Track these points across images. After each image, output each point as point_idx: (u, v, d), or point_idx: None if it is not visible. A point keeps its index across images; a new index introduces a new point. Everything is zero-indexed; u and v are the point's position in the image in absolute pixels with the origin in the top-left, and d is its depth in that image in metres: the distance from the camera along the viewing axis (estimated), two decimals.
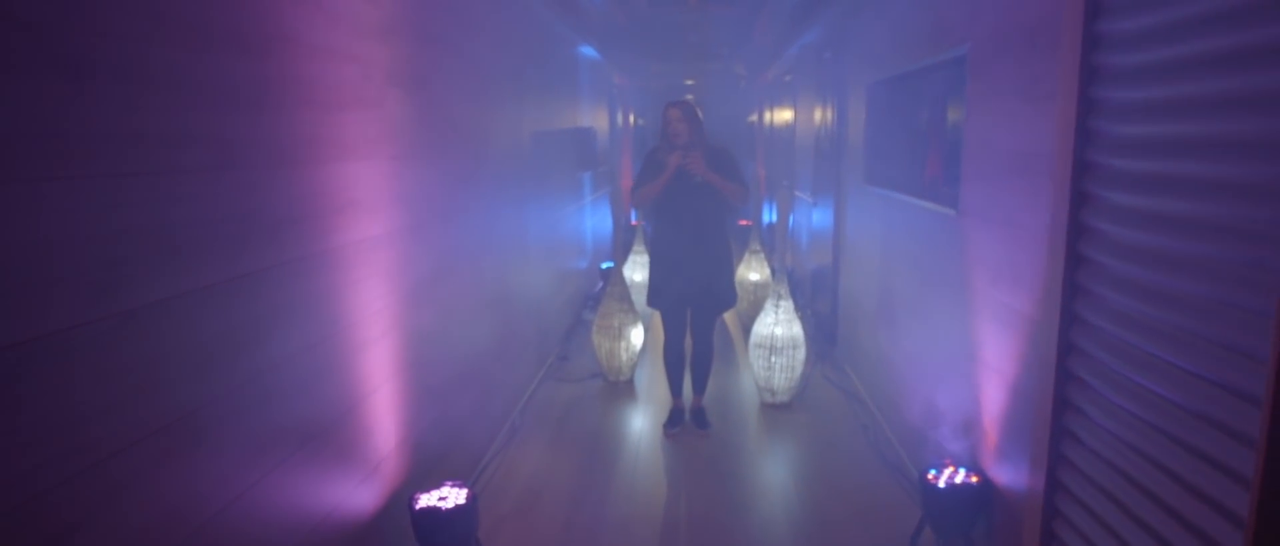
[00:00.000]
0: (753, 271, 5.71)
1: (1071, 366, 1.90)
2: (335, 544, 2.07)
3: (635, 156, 10.17)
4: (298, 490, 1.88)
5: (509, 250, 4.00)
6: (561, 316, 5.55)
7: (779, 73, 8.34)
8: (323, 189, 1.99)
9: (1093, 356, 1.83)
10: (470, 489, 2.45)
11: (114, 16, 1.29)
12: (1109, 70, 1.75)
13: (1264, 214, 1.30)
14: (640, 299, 5.06)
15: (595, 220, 7.13)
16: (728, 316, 6.11)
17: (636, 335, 4.54)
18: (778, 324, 4.04)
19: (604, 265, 7.07)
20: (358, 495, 2.22)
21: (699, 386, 3.90)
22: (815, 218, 6.10)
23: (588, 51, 6.65)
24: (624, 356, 4.50)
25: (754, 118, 11.70)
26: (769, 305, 4.12)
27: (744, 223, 8.72)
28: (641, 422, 4.02)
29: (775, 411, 4.11)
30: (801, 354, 4.06)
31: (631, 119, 11.00)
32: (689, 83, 12.54)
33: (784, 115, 8.12)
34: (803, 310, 4.66)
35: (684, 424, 3.86)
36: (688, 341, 3.86)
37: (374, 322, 2.30)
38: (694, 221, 3.64)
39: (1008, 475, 2.29)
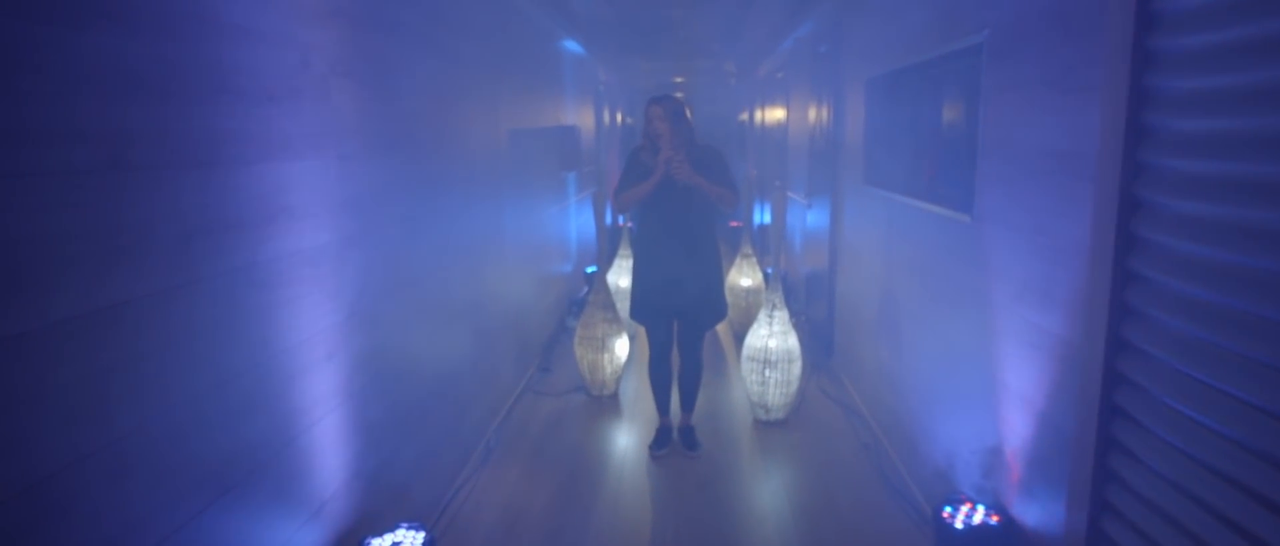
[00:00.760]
0: (744, 277, 5.45)
1: (1119, 400, 1.64)
2: None
3: (622, 156, 9.89)
4: (226, 536, 1.60)
5: (483, 256, 3.72)
6: (544, 324, 5.27)
7: (771, 69, 8.09)
8: (249, 193, 1.71)
9: (1144, 390, 1.57)
10: (428, 533, 2.17)
11: None
12: (1168, 54, 1.49)
13: None
14: (627, 306, 4.77)
15: (580, 222, 6.85)
16: (718, 325, 5.84)
17: (621, 346, 4.27)
18: (772, 335, 3.78)
19: (589, 269, 6.79)
20: (299, 541, 1.93)
21: (687, 404, 3.63)
22: (809, 219, 5.84)
23: (572, 46, 6.37)
24: (608, 369, 4.22)
25: (744, 116, 11.45)
26: (762, 315, 3.85)
27: (734, 224, 8.46)
28: (626, 441, 3.75)
29: (769, 429, 3.85)
30: (798, 368, 3.80)
31: (619, 117, 10.72)
32: (678, 80, 12.28)
33: (776, 113, 7.87)
34: (796, 316, 4.40)
35: (671, 444, 3.59)
36: (675, 355, 3.59)
37: (316, 344, 2.02)
38: (680, 227, 3.36)
39: (1036, 517, 2.03)
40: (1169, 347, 1.49)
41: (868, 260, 3.96)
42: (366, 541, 2.12)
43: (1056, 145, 1.93)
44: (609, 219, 7.29)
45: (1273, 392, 1.23)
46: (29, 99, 1.15)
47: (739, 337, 5.36)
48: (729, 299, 4.80)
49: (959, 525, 2.18)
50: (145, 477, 1.38)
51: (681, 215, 3.34)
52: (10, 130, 1.11)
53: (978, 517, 2.20)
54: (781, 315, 3.82)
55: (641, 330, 5.09)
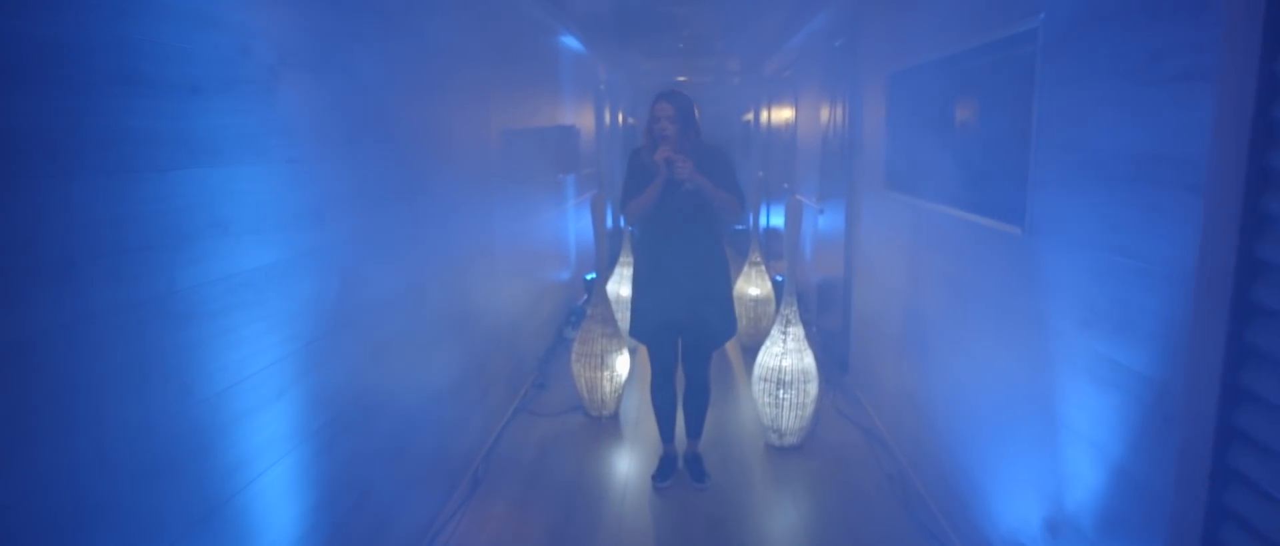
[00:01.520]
0: (753, 286, 5.13)
1: (1236, 464, 1.32)
2: None
3: (623, 158, 9.56)
4: None
5: (471, 267, 3.41)
6: (540, 337, 4.96)
7: (780, 66, 7.77)
8: (163, 206, 1.40)
9: (1271, 452, 1.25)
10: None
11: None
12: None
13: None
14: (628, 317, 4.46)
15: (579, 226, 6.53)
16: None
17: (622, 363, 3.95)
18: (785, 354, 3.46)
19: (588, 276, 6.47)
20: None
21: (694, 430, 3.31)
22: (821, 223, 5.53)
23: (571, 43, 6.06)
24: (607, 388, 3.91)
25: (750, 116, 11.13)
26: (775, 331, 3.54)
27: (738, 226, 8.15)
28: (628, 468, 3.44)
29: (783, 456, 3.53)
30: (814, 389, 3.48)
31: (620, 118, 10.41)
32: (681, 79, 11.96)
33: (784, 113, 7.55)
34: (808, 326, 4.06)
35: (676, 474, 3.27)
36: (679, 376, 3.27)
37: (262, 382, 1.71)
38: (684, 234, 3.03)
39: None
40: None
41: (889, 271, 3.64)
42: None
43: (1139, 147, 1.61)
44: (609, 222, 6.98)
45: None
46: None
47: (748, 351, 5.04)
48: (736, 310, 4.48)
49: None
50: None
51: (686, 221, 3.01)
52: None
53: None
54: (796, 331, 3.50)
55: (642, 347, 4.78)
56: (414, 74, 2.68)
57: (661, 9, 6.27)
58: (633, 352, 4.28)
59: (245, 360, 1.65)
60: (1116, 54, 1.70)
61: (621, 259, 5.38)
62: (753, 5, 5.84)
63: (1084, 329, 1.83)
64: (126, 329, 1.30)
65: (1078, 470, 1.87)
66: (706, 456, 3.38)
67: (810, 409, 3.50)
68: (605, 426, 3.92)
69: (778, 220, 7.95)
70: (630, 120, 10.90)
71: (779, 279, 6.02)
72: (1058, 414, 1.96)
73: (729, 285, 3.18)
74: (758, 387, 3.54)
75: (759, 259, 5.20)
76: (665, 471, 3.24)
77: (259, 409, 1.70)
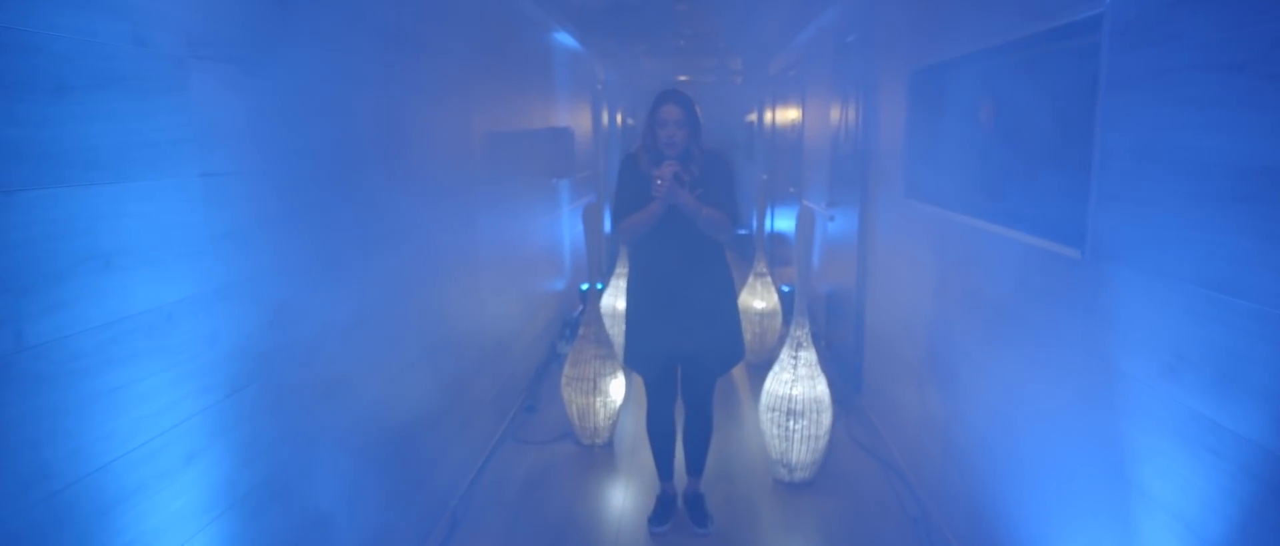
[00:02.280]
0: (758, 298, 4.80)
1: None
2: None
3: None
4: None
5: (451, 283, 3.09)
6: (531, 353, 4.64)
7: (785, 65, 7.45)
8: (13, 237, 1.08)
9: None
10: None
11: None
12: None
13: None
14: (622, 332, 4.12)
15: (576, 233, 6.21)
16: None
17: (616, 387, 3.63)
18: (796, 381, 3.14)
19: (583, 286, 6.15)
20: None
21: (695, 467, 2.98)
22: (830, 231, 5.20)
23: (565, 40, 5.74)
24: (601, 415, 3.59)
25: (753, 117, 10.81)
26: (785, 356, 3.21)
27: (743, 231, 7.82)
28: (622, 506, 3.12)
29: (794, 494, 3.20)
30: (827, 419, 3.16)
31: (619, 119, 10.10)
32: (682, 78, 11.64)
33: (790, 114, 7.23)
34: (816, 339, 3.70)
35: (675, 517, 2.95)
36: (679, 407, 2.95)
37: (162, 447, 1.39)
38: (684, 247, 2.69)
39: None
40: None
41: (909, 286, 3.32)
42: None
43: (1249, 159, 1.29)
44: (608, 226, 6.65)
45: None
46: None
47: (753, 368, 4.72)
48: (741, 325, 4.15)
49: None
50: None
51: (686, 233, 2.68)
52: None
53: None
54: (808, 356, 3.18)
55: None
56: (377, 70, 2.36)
57: (662, 5, 5.96)
58: (629, 375, 3.96)
59: (140, 423, 1.33)
60: (1217, 42, 1.38)
61: (618, 270, 5.05)
62: (758, 0, 5.52)
63: (1169, 378, 1.51)
64: None
65: (1154, 538, 1.55)
66: (709, 495, 3.05)
67: (824, 441, 3.17)
68: (598, 456, 3.60)
69: (782, 225, 7.63)
70: (630, 121, 10.58)
71: (785, 289, 5.69)
72: (1131, 476, 1.63)
73: (735, 305, 2.86)
74: (766, 417, 3.21)
75: (764, 269, 4.87)
76: (663, 514, 2.91)
77: (159, 481, 1.38)
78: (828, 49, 5.10)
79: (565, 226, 5.84)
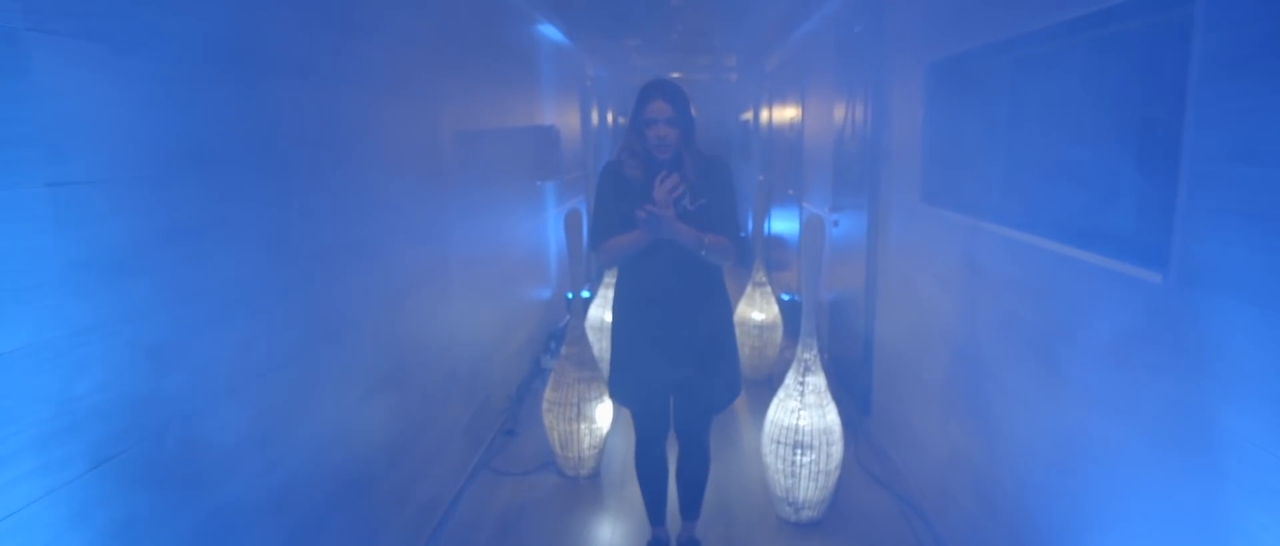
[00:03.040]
0: (756, 309, 4.47)
1: None
2: None
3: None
4: None
5: (415, 299, 2.74)
6: (512, 370, 4.29)
7: (784, 60, 7.12)
8: None
9: None
10: None
11: None
12: None
13: None
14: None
15: (560, 239, 5.86)
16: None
17: (603, 413, 3.29)
18: (803, 409, 2.80)
19: (569, 295, 5.80)
20: None
21: (690, 510, 2.64)
22: (834, 235, 4.86)
23: (552, 33, 5.39)
24: (585, 443, 3.24)
25: (749, 115, 10.49)
26: (791, 380, 2.87)
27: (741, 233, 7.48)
28: (609, 542, 2.78)
29: (801, 537, 2.86)
30: (838, 451, 2.82)
31: (610, 117, 9.76)
32: (675, 75, 11.31)
33: (789, 112, 6.90)
34: (820, 352, 3.35)
35: None
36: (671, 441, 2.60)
37: None
38: (676, 267, 2.33)
39: None
40: None
41: (929, 301, 2.98)
42: None
43: None
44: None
45: None
46: None
47: (752, 385, 4.38)
48: (737, 337, 3.81)
49: None
50: None
51: (679, 249, 2.32)
52: None
53: None
54: (816, 381, 2.84)
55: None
56: (308, 54, 2.01)
57: None
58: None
59: None
60: None
61: (606, 279, 4.71)
62: None
63: None
64: None
65: None
66: (706, 539, 2.70)
67: (834, 477, 2.84)
68: (583, 489, 3.26)
69: (779, 227, 7.30)
70: (621, 119, 10.25)
71: (785, 298, 5.36)
72: None
73: (732, 333, 2.50)
74: (769, 449, 2.87)
75: (763, 278, 4.54)
76: None
77: None
78: (831, 41, 4.76)
79: (551, 232, 5.49)
